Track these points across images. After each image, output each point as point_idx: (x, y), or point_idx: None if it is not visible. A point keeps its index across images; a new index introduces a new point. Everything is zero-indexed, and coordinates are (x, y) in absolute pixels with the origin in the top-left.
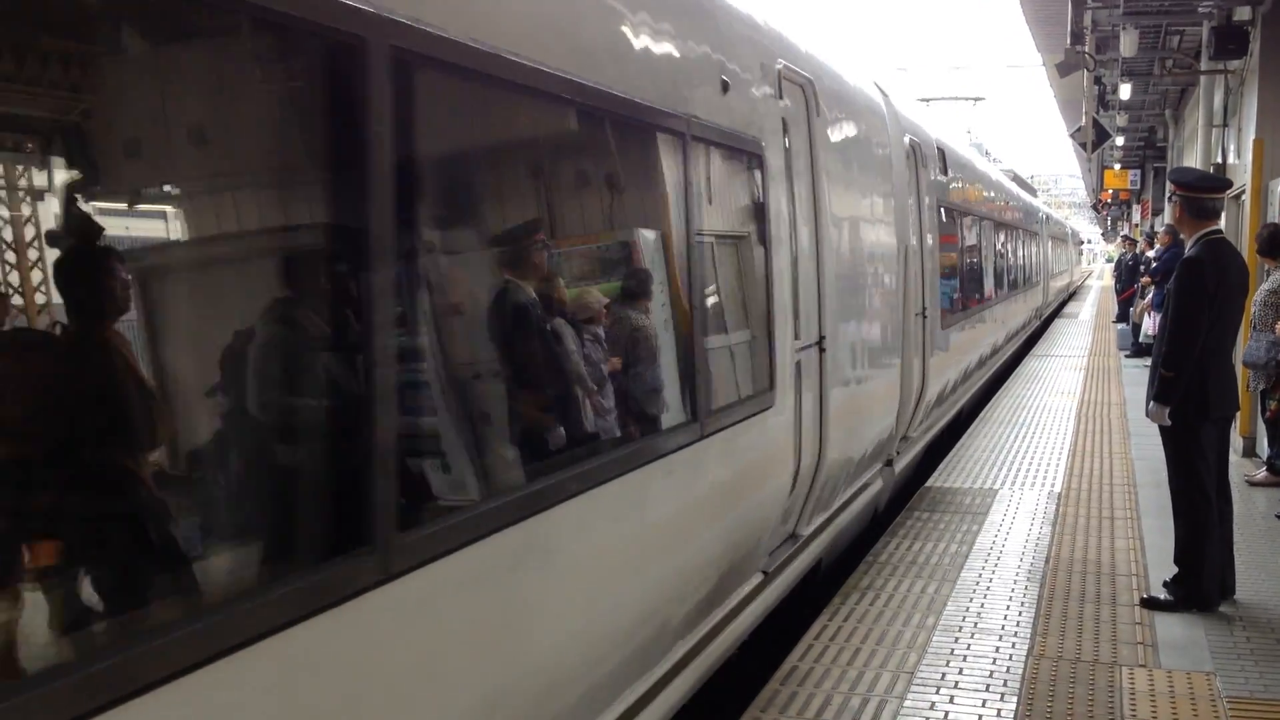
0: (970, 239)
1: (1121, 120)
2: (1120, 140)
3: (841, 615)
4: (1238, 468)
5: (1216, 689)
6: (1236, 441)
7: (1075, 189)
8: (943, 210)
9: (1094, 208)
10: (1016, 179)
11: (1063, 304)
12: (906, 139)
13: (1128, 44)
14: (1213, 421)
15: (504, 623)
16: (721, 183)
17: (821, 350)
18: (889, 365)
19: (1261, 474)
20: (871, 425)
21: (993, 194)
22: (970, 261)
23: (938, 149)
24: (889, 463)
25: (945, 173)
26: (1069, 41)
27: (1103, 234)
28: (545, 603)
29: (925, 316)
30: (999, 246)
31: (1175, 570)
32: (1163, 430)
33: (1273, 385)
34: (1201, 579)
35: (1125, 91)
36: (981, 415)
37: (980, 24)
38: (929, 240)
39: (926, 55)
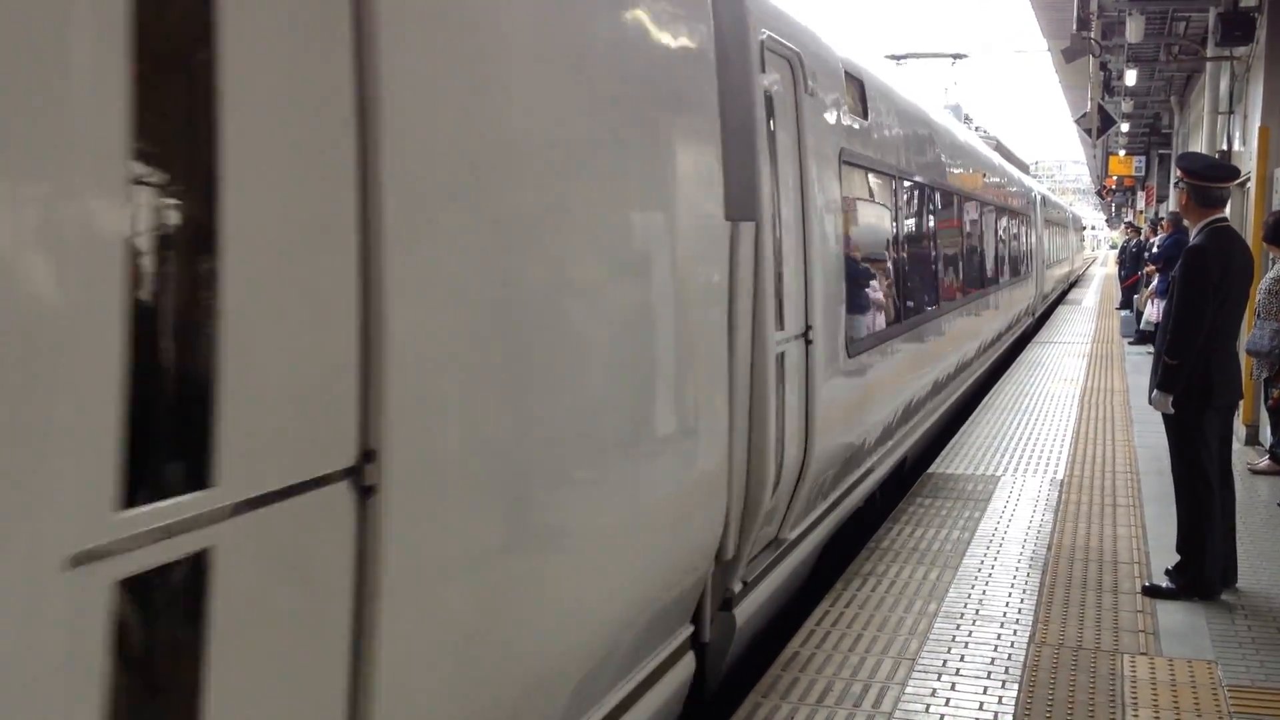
0: (913, 218)
1: (1127, 106)
2: (1125, 126)
3: (843, 601)
4: (1241, 456)
5: (1218, 677)
6: (1240, 429)
7: (1080, 175)
8: (854, 171)
9: (1098, 194)
10: (1000, 149)
11: (1065, 292)
12: (762, 36)
13: (1134, 30)
14: (1216, 409)
15: None
16: None
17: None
18: (691, 443)
19: (1264, 462)
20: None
21: (956, 159)
22: (913, 251)
23: (845, 75)
24: (726, 604)
25: (864, 115)
26: (1075, 27)
27: (1106, 220)
28: None
29: (810, 341)
30: (968, 230)
31: (1177, 558)
32: (1165, 418)
33: (1276, 373)
34: (1203, 567)
35: (1131, 77)
36: (984, 402)
37: (987, 8)
38: (823, 220)
39: (930, 41)
